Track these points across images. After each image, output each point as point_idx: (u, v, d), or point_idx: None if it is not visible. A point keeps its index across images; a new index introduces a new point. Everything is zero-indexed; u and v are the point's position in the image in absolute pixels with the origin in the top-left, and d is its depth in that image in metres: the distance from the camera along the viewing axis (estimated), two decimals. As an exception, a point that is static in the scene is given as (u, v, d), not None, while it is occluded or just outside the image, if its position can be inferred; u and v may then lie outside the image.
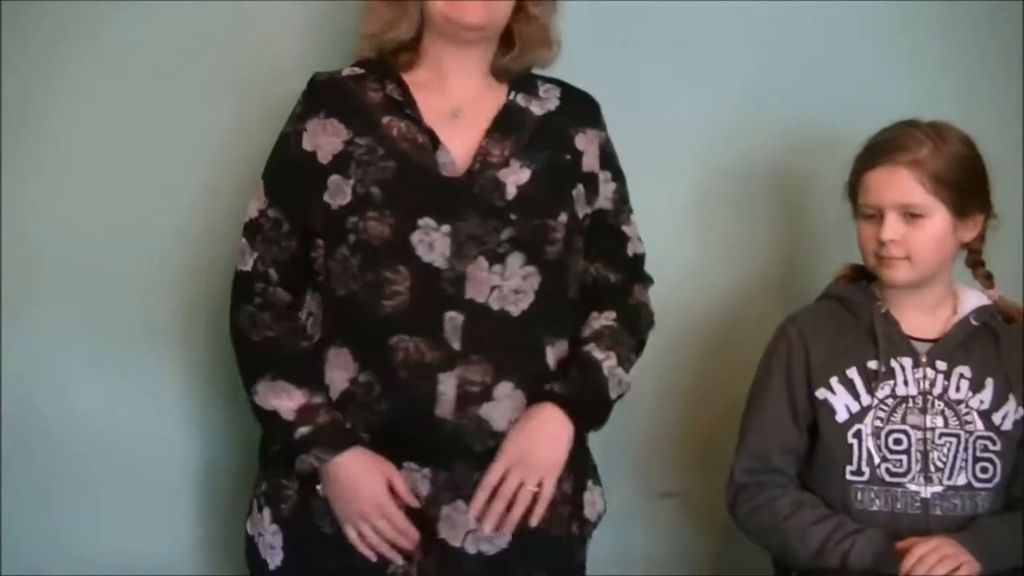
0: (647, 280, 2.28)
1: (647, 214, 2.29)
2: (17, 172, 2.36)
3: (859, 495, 2.16)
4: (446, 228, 2.06)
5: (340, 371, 2.08)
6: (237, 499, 2.29)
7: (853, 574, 2.10)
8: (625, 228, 2.25)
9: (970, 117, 2.24)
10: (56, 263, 2.39)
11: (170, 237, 2.41)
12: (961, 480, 2.16)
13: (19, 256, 2.36)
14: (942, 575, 2.05)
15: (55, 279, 2.39)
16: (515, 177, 2.11)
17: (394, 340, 2.05)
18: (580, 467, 2.19)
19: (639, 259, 2.27)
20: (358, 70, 2.19)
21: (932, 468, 2.16)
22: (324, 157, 2.11)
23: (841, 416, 2.18)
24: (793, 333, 2.24)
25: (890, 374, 2.18)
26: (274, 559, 2.12)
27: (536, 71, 2.24)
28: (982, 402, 2.18)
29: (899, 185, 2.15)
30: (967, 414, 2.18)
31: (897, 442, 2.16)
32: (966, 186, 2.17)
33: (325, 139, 2.12)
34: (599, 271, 2.23)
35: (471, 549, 2.08)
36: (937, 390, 2.18)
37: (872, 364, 2.19)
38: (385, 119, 2.13)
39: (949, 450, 2.16)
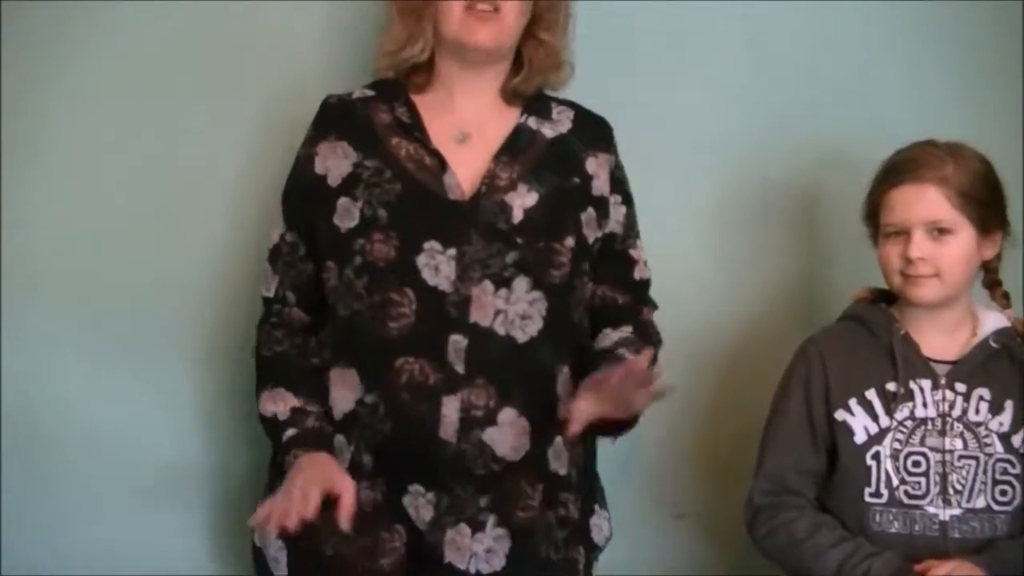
0: (652, 304, 2.28)
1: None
2: (17, 172, 2.37)
3: (877, 517, 2.15)
4: (451, 251, 2.07)
5: (346, 391, 2.10)
6: (239, 500, 2.31)
7: (871, 596, 2.10)
8: (632, 252, 2.25)
9: (970, 117, 2.26)
10: (56, 263, 2.40)
11: (170, 237, 2.42)
12: (980, 503, 2.15)
13: (19, 256, 2.38)
14: (959, 597, 2.05)
15: (55, 279, 2.40)
16: (522, 200, 2.11)
17: (399, 362, 2.06)
18: (587, 491, 2.19)
19: (646, 284, 2.27)
20: (369, 92, 2.20)
21: (951, 491, 2.15)
22: (334, 180, 2.13)
23: (860, 438, 2.17)
24: (813, 353, 2.23)
25: (909, 396, 2.17)
26: (279, 572, 2.13)
27: (551, 92, 2.24)
28: (1001, 424, 2.17)
29: (927, 202, 2.15)
30: (986, 436, 2.17)
31: (916, 464, 2.15)
32: (989, 202, 2.17)
33: (335, 162, 2.13)
34: (606, 293, 2.22)
35: (483, 569, 2.07)
36: (956, 412, 2.17)
37: (891, 386, 2.18)
38: (394, 140, 2.14)
39: (968, 473, 2.15)
